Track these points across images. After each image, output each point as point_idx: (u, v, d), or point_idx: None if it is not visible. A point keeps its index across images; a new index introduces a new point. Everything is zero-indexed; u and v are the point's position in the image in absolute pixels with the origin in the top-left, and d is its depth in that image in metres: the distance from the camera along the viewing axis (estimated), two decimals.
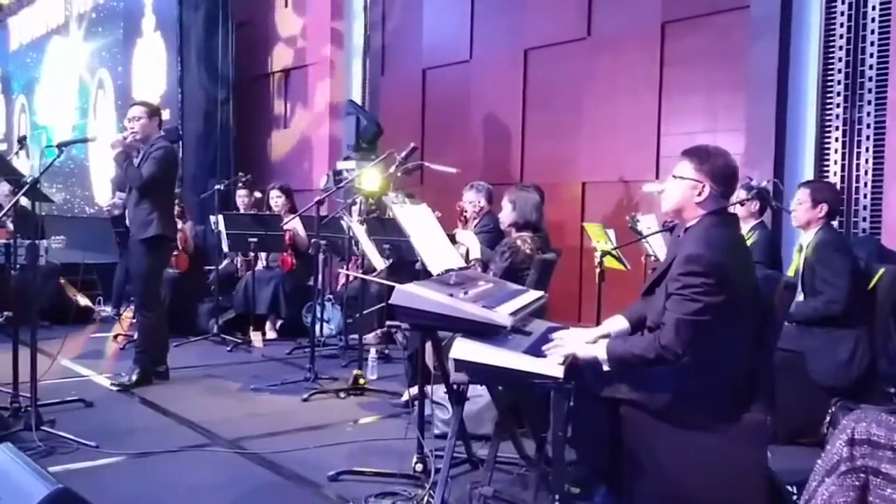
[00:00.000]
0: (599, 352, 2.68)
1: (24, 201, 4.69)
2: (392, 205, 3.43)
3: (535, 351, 2.67)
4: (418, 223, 3.33)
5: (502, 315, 2.69)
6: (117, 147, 4.98)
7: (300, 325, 6.86)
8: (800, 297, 4.03)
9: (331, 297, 7.04)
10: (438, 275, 3.10)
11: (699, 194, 2.74)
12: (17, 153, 5.05)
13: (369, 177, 4.82)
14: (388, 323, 6.22)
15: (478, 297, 2.84)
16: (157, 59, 9.90)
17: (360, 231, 5.19)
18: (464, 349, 2.62)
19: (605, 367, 2.67)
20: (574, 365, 2.65)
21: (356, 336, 5.45)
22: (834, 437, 2.19)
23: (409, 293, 2.73)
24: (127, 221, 5.40)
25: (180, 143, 9.15)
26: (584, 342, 2.75)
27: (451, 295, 2.74)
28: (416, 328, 3.00)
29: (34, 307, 4.10)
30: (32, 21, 14.08)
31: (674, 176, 2.81)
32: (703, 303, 2.57)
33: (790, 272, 4.26)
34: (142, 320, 5.15)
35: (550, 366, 2.56)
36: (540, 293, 3.33)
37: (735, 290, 2.62)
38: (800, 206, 4.15)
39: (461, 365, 2.63)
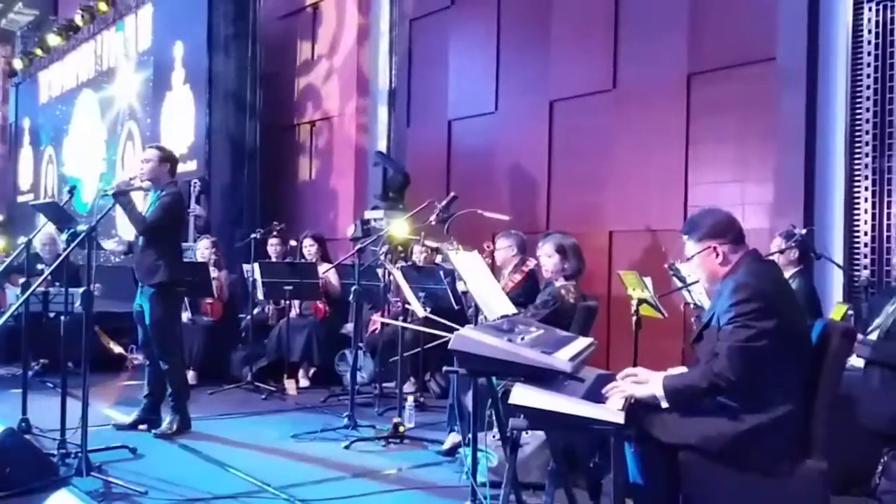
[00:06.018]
0: (656, 389, 2.71)
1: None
2: (448, 251, 3.50)
3: (593, 396, 2.71)
4: (472, 269, 3.38)
5: (562, 360, 2.72)
6: (121, 188, 4.81)
7: (332, 373, 6.89)
8: (871, 335, 4.00)
9: (361, 345, 7.06)
10: (491, 321, 3.13)
11: (717, 256, 2.87)
12: (66, 203, 5.17)
13: (400, 225, 4.90)
14: (445, 368, 6.21)
15: (534, 342, 2.87)
16: (185, 110, 10.07)
17: (401, 279, 5.22)
18: (524, 395, 2.64)
19: (664, 404, 2.69)
20: (633, 410, 2.68)
21: (389, 384, 5.46)
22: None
23: (468, 338, 2.77)
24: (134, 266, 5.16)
25: (207, 193, 9.27)
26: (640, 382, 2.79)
27: (510, 340, 2.78)
28: (473, 374, 3.04)
29: (85, 355, 4.14)
30: (62, 74, 14.40)
31: (687, 259, 2.96)
32: (756, 328, 2.63)
33: None
34: (166, 368, 5.09)
35: (611, 411, 2.59)
36: (590, 340, 3.35)
37: (783, 320, 2.67)
38: None
39: (520, 411, 2.65)
